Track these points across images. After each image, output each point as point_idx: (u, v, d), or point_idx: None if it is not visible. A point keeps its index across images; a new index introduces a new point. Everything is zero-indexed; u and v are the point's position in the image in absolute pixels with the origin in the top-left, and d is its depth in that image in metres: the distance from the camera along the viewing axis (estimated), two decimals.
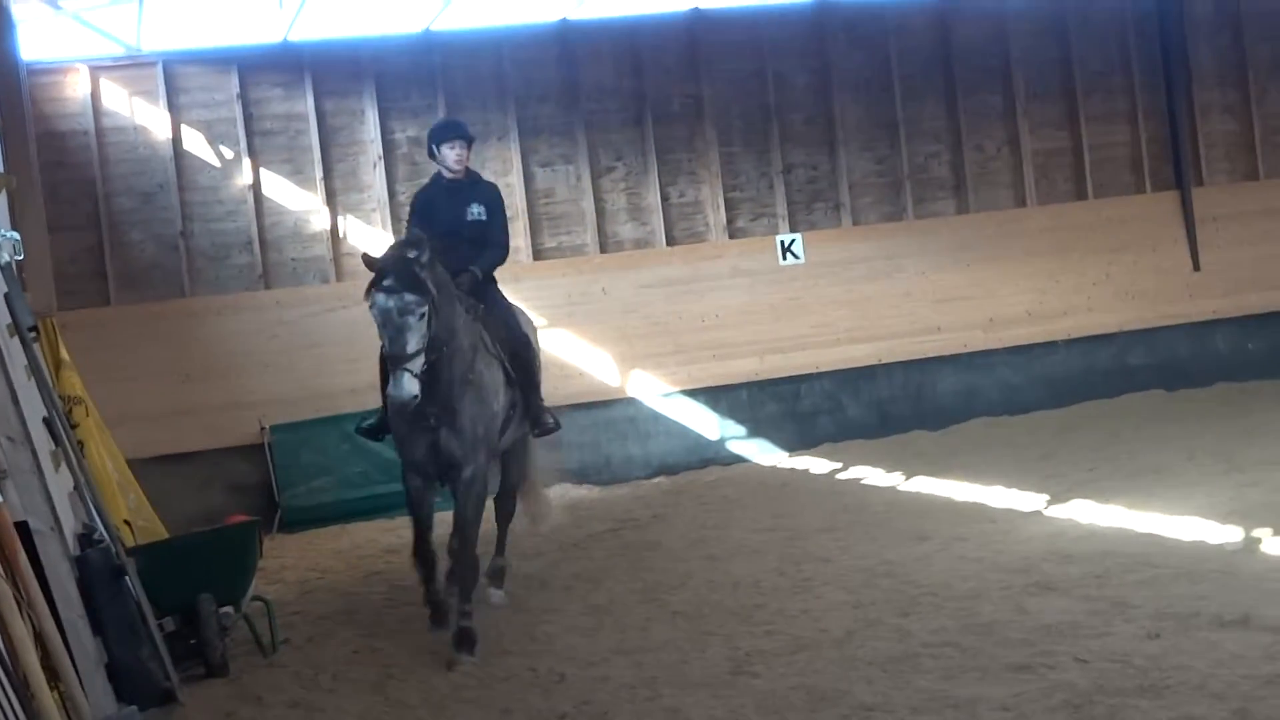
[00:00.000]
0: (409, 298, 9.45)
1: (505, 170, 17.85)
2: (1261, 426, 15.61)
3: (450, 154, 11.15)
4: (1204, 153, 20.10)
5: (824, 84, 19.05)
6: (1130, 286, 19.48)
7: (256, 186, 17.40)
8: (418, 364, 9.44)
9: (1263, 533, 10.46)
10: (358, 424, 11.20)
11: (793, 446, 18.26)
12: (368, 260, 9.77)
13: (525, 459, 11.94)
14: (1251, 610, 8.41)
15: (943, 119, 19.44)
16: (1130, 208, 19.75)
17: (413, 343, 9.41)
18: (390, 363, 9.51)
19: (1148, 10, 20.03)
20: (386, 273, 9.53)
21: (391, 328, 9.44)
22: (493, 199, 11.34)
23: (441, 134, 11.35)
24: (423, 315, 9.49)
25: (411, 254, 9.70)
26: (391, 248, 10.13)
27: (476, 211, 11.15)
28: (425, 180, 12.17)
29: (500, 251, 11.29)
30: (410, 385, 9.33)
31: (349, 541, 15.21)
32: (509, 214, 17.68)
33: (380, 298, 9.46)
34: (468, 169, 11.33)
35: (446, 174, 11.22)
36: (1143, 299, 19.46)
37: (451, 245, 10.61)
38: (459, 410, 10.03)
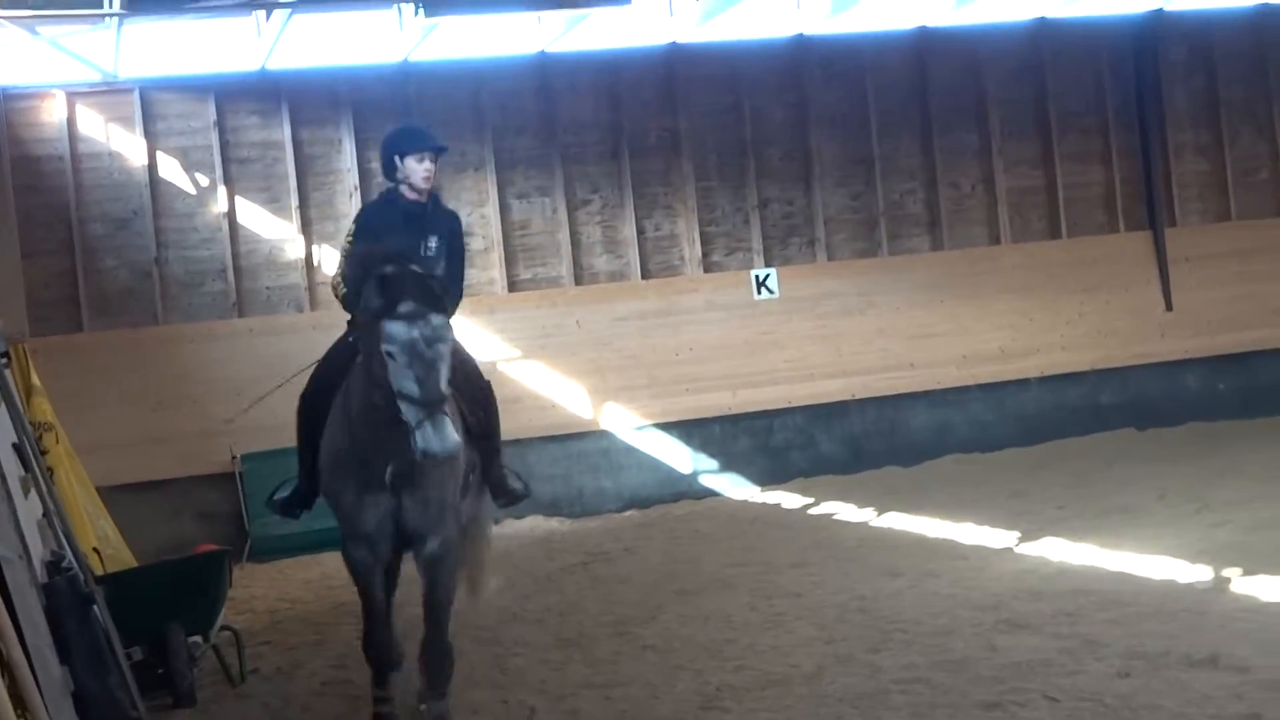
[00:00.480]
0: (436, 321, 7.78)
1: (481, 201, 17.88)
2: (1232, 467, 15.66)
3: (419, 169, 9.16)
4: (1177, 193, 20.22)
5: (800, 119, 19.12)
6: (1103, 326, 19.56)
7: (231, 214, 17.40)
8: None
9: (1232, 572, 10.50)
10: (270, 496, 9.54)
11: (765, 481, 18.25)
12: (367, 260, 8.16)
13: (479, 534, 9.93)
14: (1220, 650, 8.44)
15: (918, 156, 19.52)
16: (1103, 247, 19.84)
17: (445, 378, 7.76)
18: (423, 409, 7.60)
19: (1123, 52, 20.16)
20: (404, 297, 7.81)
21: (421, 364, 7.69)
22: (454, 233, 9.37)
23: (407, 143, 9.28)
24: (451, 342, 7.90)
25: (416, 267, 8.10)
26: (384, 261, 8.13)
27: (434, 247, 9.17)
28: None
29: (456, 300, 8.95)
30: (454, 433, 7.70)
31: (320, 572, 15.15)
32: (484, 245, 17.97)
33: (400, 329, 7.71)
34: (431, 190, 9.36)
35: (408, 193, 9.20)
36: (1115, 338, 19.53)
37: None
38: (425, 469, 8.12)
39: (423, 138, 9.38)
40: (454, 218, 9.50)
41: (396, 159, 9.20)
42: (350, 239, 9.11)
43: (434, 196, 9.34)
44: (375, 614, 8.59)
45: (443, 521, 8.44)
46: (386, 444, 8.03)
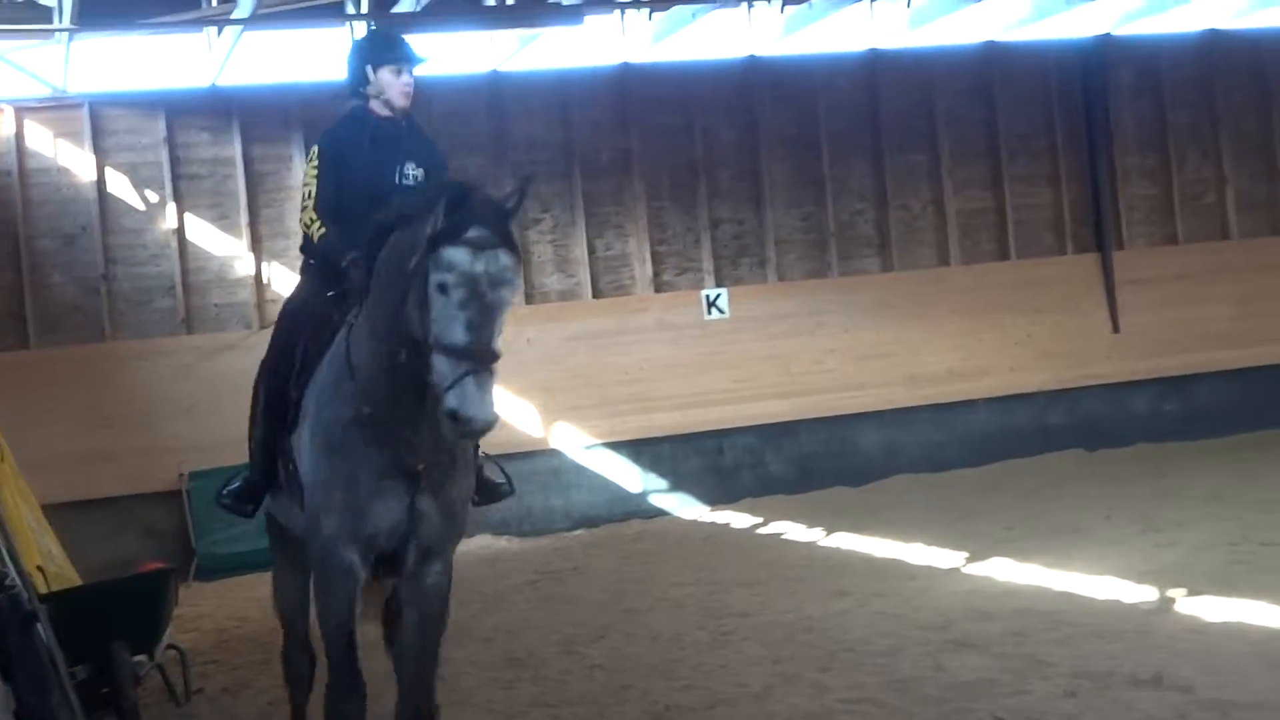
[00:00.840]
0: (505, 260, 6.33)
1: None
2: (1177, 488, 15.80)
3: (396, 83, 7.69)
4: (1124, 216, 20.36)
5: (752, 140, 19.17)
6: (1051, 347, 19.67)
7: (181, 231, 17.31)
8: None
9: (1177, 593, 10.59)
10: (220, 489, 8.09)
11: (714, 500, 18.27)
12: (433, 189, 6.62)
13: None
14: (1164, 670, 8.51)
15: (869, 177, 19.59)
16: (1052, 269, 19.97)
17: (500, 333, 6.33)
18: (467, 362, 6.15)
19: (1071, 75, 20.30)
20: (473, 219, 6.34)
21: (479, 307, 6.23)
22: (437, 161, 7.90)
23: (383, 52, 7.78)
24: (515, 291, 6.52)
25: (493, 193, 6.63)
26: (439, 187, 6.65)
27: (413, 174, 7.74)
28: None
29: None
30: (494, 402, 6.21)
31: (267, 590, 14.95)
32: None
33: (463, 257, 6.25)
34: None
35: (380, 110, 7.75)
36: (1063, 359, 19.64)
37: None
38: (455, 466, 6.88)
39: (402, 46, 7.85)
40: (436, 147, 8.04)
41: (368, 70, 7.74)
42: (315, 168, 7.70)
43: (410, 116, 7.85)
44: (349, 667, 6.85)
45: (455, 539, 7.07)
46: (417, 418, 6.59)
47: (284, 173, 17.69)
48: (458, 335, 6.18)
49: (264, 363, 7.81)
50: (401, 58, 7.70)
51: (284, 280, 17.30)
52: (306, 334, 7.35)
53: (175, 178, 17.32)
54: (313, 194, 7.61)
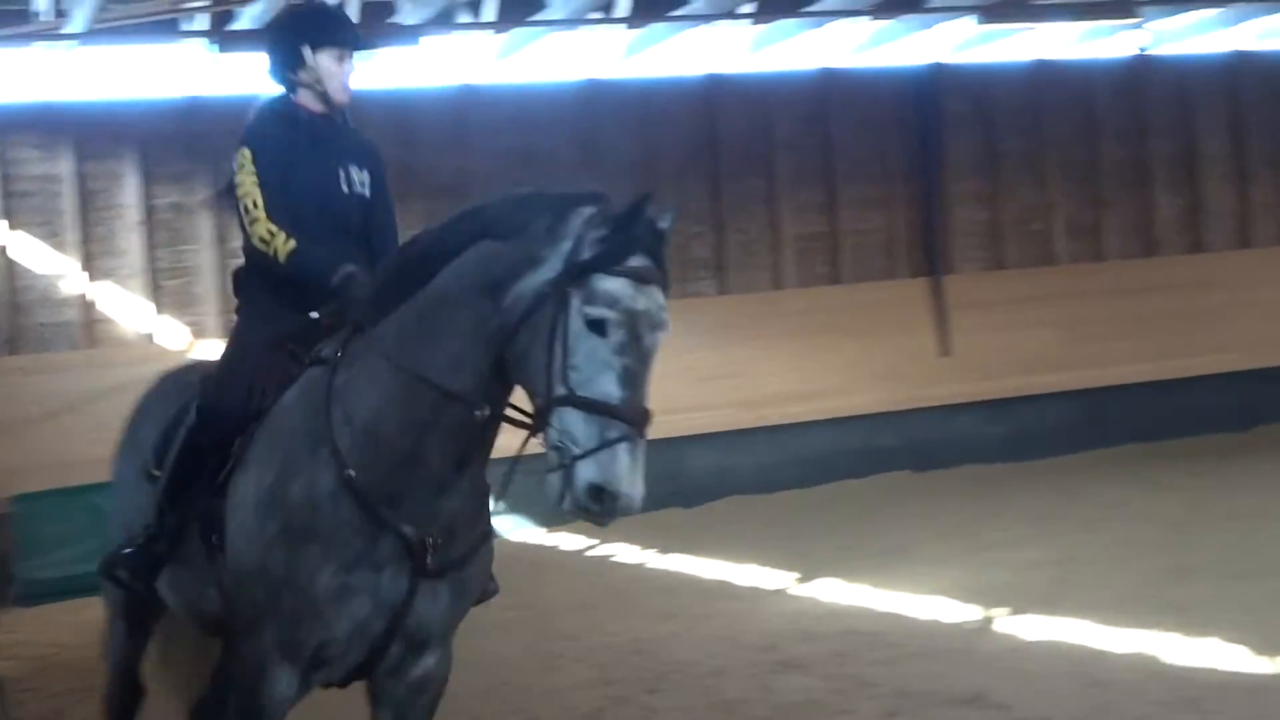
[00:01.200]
0: (662, 299, 5.22)
1: None
2: (1004, 508, 16.08)
3: (337, 71, 6.39)
4: (956, 241, 20.68)
5: (592, 163, 19.18)
6: (882, 369, 19.85)
7: (5, 249, 16.94)
8: None
9: (999, 612, 10.84)
10: (107, 556, 6.83)
11: (549, 523, 18.19)
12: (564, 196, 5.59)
13: None
14: (983, 689, 8.71)
15: (706, 200, 19.70)
16: (884, 292, 20.20)
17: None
18: (619, 425, 5.06)
19: (906, 102, 20.57)
20: (638, 245, 5.26)
21: (636, 353, 5.11)
22: (378, 165, 6.61)
23: (323, 31, 6.44)
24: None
25: (657, 218, 5.43)
26: (580, 196, 5.71)
27: (360, 180, 6.47)
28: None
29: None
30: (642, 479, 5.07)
31: (90, 615, 14.71)
32: None
33: (627, 291, 5.12)
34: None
35: (313, 104, 6.47)
36: (894, 382, 19.84)
37: (324, 236, 6.23)
38: (479, 536, 6.03)
39: (348, 27, 6.61)
40: (375, 148, 6.69)
41: (305, 51, 6.39)
42: (252, 173, 6.25)
43: (343, 112, 6.55)
44: None
45: (458, 623, 5.99)
46: (439, 483, 5.68)
47: (115, 190, 17.37)
48: (609, 389, 5.04)
49: (213, 394, 6.28)
50: (346, 41, 6.43)
51: (113, 300, 17.00)
52: (258, 375, 6.05)
53: (4, 195, 16.95)
54: (258, 202, 6.20)
